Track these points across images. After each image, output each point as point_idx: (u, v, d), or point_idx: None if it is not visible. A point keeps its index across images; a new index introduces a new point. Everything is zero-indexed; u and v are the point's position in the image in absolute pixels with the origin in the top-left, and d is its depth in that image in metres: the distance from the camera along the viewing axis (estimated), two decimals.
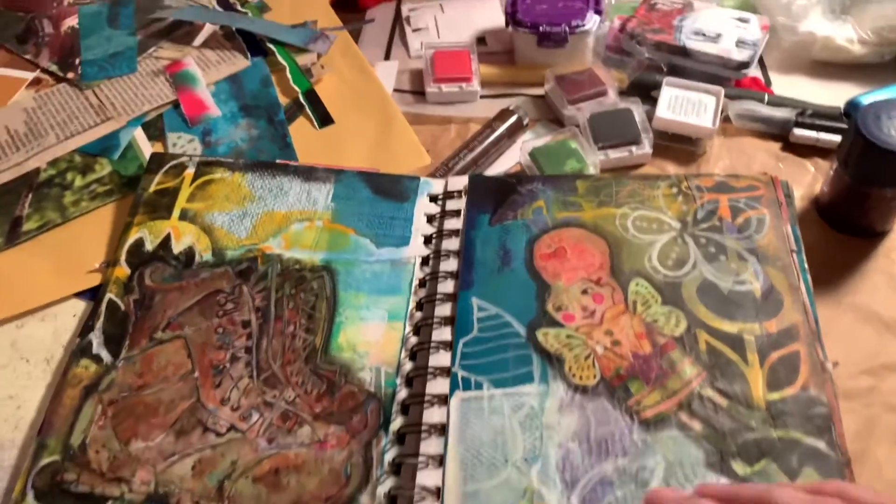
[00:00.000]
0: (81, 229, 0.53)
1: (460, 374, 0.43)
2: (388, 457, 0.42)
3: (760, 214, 0.48)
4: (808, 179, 0.53)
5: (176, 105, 0.59)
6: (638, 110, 0.56)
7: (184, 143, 0.57)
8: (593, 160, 0.53)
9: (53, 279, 0.50)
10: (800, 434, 0.39)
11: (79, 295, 0.50)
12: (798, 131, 0.54)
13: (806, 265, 0.46)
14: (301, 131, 0.58)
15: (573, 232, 0.48)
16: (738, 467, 0.38)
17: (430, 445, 0.41)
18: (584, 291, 0.46)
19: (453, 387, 0.42)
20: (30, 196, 0.54)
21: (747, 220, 0.47)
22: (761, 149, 0.55)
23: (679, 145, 0.55)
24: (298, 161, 0.56)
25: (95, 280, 0.50)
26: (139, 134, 0.57)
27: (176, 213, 0.51)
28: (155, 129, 0.58)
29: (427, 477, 0.40)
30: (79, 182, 0.55)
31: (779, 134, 0.56)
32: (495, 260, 0.47)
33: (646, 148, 0.54)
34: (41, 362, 0.47)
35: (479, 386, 0.42)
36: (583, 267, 0.47)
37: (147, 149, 0.56)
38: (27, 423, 0.45)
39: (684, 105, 0.54)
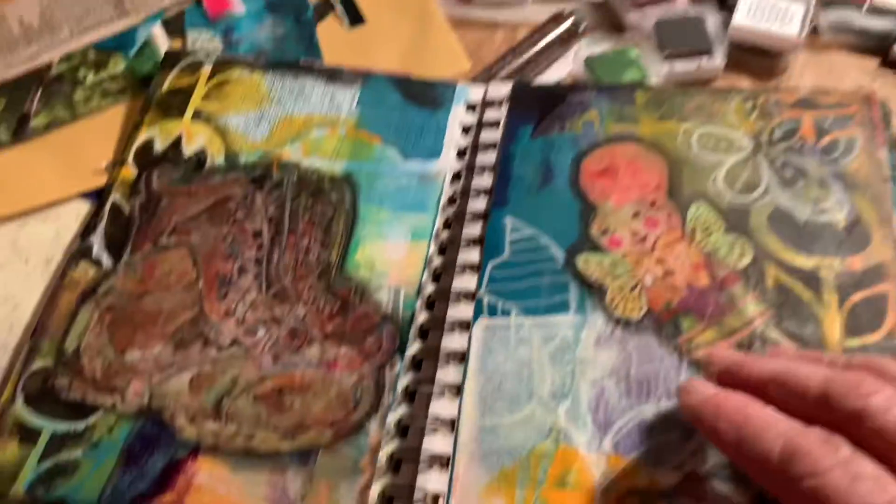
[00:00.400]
0: (90, 128, 0.49)
1: (486, 298, 0.38)
2: (402, 383, 0.37)
3: (850, 135, 0.41)
4: None
5: (198, 1, 0.55)
6: (712, 18, 0.48)
7: (204, 42, 0.52)
8: (657, 71, 0.47)
9: (59, 178, 0.47)
10: None
11: (83, 196, 0.47)
12: None
13: None
14: (329, 32, 0.52)
15: (628, 148, 0.42)
16: None
17: (447, 373, 0.36)
18: (636, 215, 0.40)
19: (478, 312, 0.38)
20: (39, 92, 0.51)
21: (834, 142, 0.41)
22: (854, 66, 0.48)
23: (757, 59, 0.48)
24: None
25: (101, 181, 0.46)
26: (158, 31, 0.53)
27: (189, 113, 0.47)
28: (175, 26, 0.54)
29: (442, 407, 0.36)
30: (91, 79, 0.51)
31: (876, 49, 0.48)
32: (535, 176, 0.42)
33: (717, 60, 0.47)
34: (41, 263, 0.44)
35: (506, 313, 0.37)
36: (636, 187, 0.41)
37: (165, 46, 0.52)
38: (22, 326, 0.42)
39: (767, 12, 0.47)
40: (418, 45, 0.51)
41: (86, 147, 0.48)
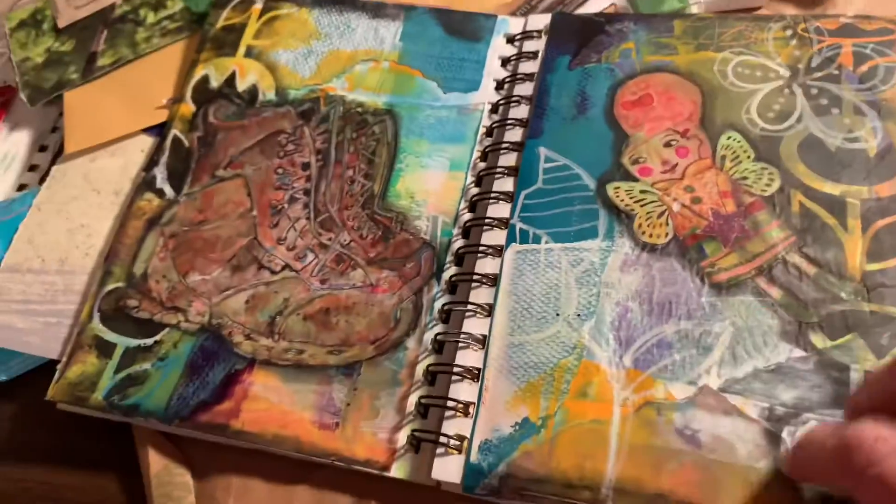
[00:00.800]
0: (152, 66, 0.52)
1: (518, 226, 0.40)
2: (438, 304, 0.40)
3: (890, 62, 0.40)
4: None
5: None
6: None
7: None
8: (699, 0, 0.47)
9: (124, 114, 0.50)
10: None
11: (147, 131, 0.50)
12: None
13: None
14: None
15: (663, 77, 0.43)
16: (818, 340, 0.33)
17: (479, 295, 0.39)
18: (668, 144, 0.41)
19: (510, 239, 0.40)
20: (105, 32, 0.54)
21: (873, 69, 0.40)
22: None
23: None
24: None
25: (163, 116, 0.49)
26: None
27: (241, 49, 0.50)
28: None
29: (473, 325, 0.38)
30: (151, 18, 0.54)
31: None
32: (570, 107, 0.43)
33: None
34: (110, 194, 0.48)
35: (536, 239, 0.39)
36: (669, 116, 0.41)
37: None
38: (96, 251, 0.46)
39: None
40: None
41: (148, 84, 0.51)
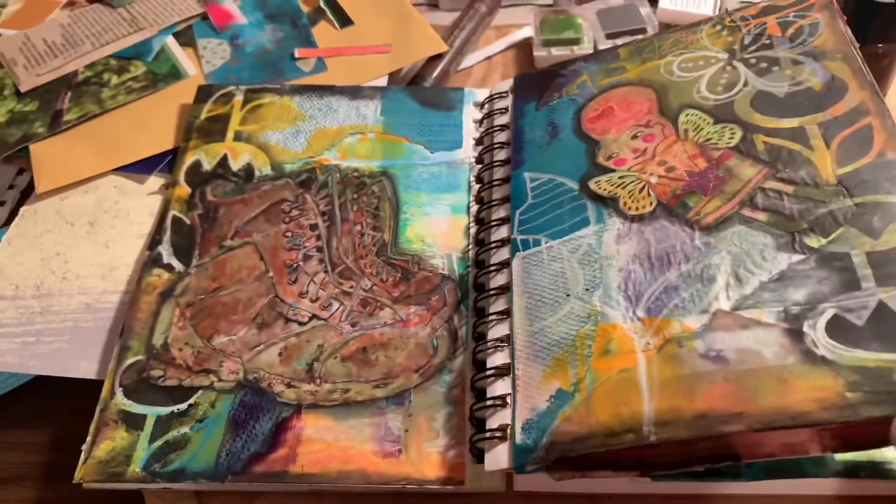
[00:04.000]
0: (120, 117, 0.56)
1: (519, 238, 0.43)
2: (469, 327, 0.42)
3: (813, 20, 0.47)
4: None
5: (205, 17, 0.62)
6: (644, 7, 0.60)
7: (213, 47, 0.60)
8: (600, 42, 0.58)
9: (94, 157, 0.54)
10: (882, 195, 0.37)
11: (119, 170, 0.53)
12: None
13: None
14: (323, 33, 0.61)
15: (619, 90, 0.49)
16: (813, 241, 0.36)
17: (497, 305, 0.42)
18: (635, 136, 0.45)
19: (514, 250, 0.43)
20: (69, 93, 0.57)
21: (799, 29, 0.47)
22: None
23: None
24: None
25: (136, 156, 0.53)
26: (171, 41, 0.61)
27: (230, 135, 0.52)
28: (185, 37, 0.61)
29: (497, 331, 0.41)
30: (115, 80, 0.58)
31: None
32: (544, 136, 0.48)
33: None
34: (85, 225, 0.51)
35: (537, 243, 0.42)
36: (631, 116, 0.46)
37: (179, 53, 0.59)
38: (75, 275, 0.49)
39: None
40: (401, 36, 0.60)
41: (118, 131, 0.55)
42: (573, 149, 0.46)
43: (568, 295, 0.40)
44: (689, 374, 0.34)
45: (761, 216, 0.38)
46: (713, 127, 0.43)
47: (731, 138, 0.42)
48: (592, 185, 0.44)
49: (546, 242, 0.42)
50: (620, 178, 0.43)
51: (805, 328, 0.33)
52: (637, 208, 0.41)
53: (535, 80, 0.52)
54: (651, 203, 0.41)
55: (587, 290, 0.39)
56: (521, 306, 0.40)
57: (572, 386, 0.36)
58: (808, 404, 0.31)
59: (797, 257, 0.36)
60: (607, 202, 0.42)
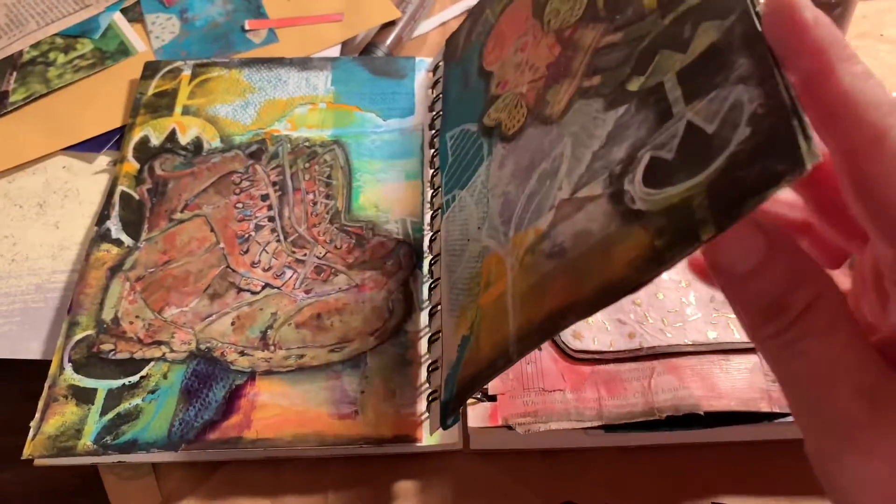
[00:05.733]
0: (67, 97, 0.55)
1: (445, 199, 0.43)
2: (426, 288, 0.42)
3: None
4: None
5: None
6: None
7: (162, 22, 0.58)
8: None
9: (41, 138, 0.52)
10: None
11: (68, 149, 0.52)
12: None
13: None
14: (274, 4, 0.60)
15: (507, 11, 0.46)
16: (633, 85, 0.29)
17: (438, 270, 0.42)
18: (516, 52, 0.42)
19: (443, 214, 0.42)
20: (14, 74, 0.56)
21: None
22: None
23: None
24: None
25: (84, 135, 0.52)
26: (118, 17, 0.59)
27: (178, 109, 0.51)
28: (133, 13, 0.60)
29: (436, 294, 0.41)
30: (61, 59, 0.57)
31: None
32: (460, 88, 0.47)
33: None
34: (34, 206, 0.50)
35: (454, 199, 0.42)
36: (512, 33, 0.44)
37: (127, 29, 0.58)
38: (24, 257, 0.47)
39: None
40: (353, 5, 0.59)
41: (65, 112, 0.54)
42: (477, 88, 0.44)
43: (468, 239, 0.38)
44: (539, 280, 0.30)
45: (596, 80, 0.32)
46: (565, 5, 0.38)
47: (578, 9, 0.37)
48: (486, 120, 0.42)
49: (458, 194, 0.41)
50: (504, 102, 0.41)
51: (626, 185, 0.27)
52: (513, 126, 0.39)
53: (457, 35, 0.51)
54: (523, 115, 0.38)
55: (478, 228, 0.38)
56: (444, 265, 0.40)
57: (470, 330, 0.35)
58: (624, 270, 0.25)
59: (621, 110, 0.29)
60: (493, 132, 0.40)
